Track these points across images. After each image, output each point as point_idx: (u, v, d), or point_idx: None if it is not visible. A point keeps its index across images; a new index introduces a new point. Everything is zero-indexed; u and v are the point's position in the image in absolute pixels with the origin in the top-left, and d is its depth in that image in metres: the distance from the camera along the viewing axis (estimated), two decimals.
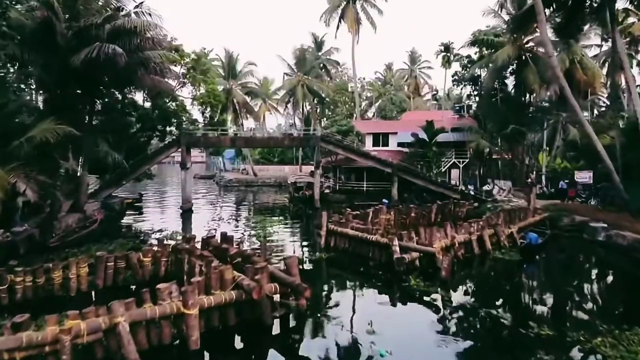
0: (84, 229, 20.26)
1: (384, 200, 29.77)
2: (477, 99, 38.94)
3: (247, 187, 50.94)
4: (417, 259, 14.34)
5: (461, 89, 40.22)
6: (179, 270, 12.96)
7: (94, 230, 20.72)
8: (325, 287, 13.49)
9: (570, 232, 20.73)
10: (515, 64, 31.79)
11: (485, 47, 34.14)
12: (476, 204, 27.28)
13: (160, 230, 21.96)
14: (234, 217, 27.38)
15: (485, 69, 35.64)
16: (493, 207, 26.64)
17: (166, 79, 26.01)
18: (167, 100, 29.03)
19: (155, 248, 13.69)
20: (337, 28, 51.44)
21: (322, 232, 17.59)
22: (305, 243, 20.63)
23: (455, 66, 44.28)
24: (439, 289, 12.70)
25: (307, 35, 78.38)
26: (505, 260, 15.97)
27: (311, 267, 15.49)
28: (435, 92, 72.90)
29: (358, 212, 19.24)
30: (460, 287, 13.65)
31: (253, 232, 21.54)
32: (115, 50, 15.22)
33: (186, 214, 28.41)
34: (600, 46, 41.99)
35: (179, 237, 19.79)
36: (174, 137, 30.88)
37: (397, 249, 13.95)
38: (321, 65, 59.09)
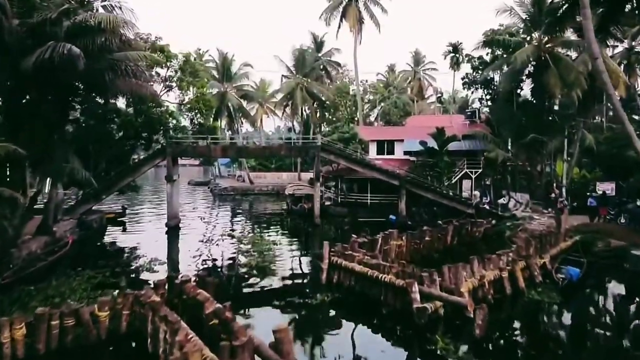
0: (52, 255, 17.71)
1: (391, 217, 27.11)
2: (489, 103, 36.24)
3: (242, 196, 48.40)
4: (442, 306, 11.70)
5: (472, 92, 37.46)
6: (143, 326, 10.32)
7: (64, 255, 18.23)
8: (330, 349, 10.72)
9: (606, 258, 18.02)
10: (533, 66, 29.08)
11: (499, 48, 31.43)
12: (494, 222, 24.65)
13: (138, 257, 19.26)
14: (225, 237, 24.45)
15: (499, 71, 32.96)
16: (513, 224, 24.01)
17: (150, 83, 23.38)
18: (152, 105, 26.27)
19: (116, 296, 11.05)
20: (338, 27, 48.99)
21: (323, 265, 14.92)
22: (305, 272, 17.99)
23: (465, 68, 41.63)
24: (471, 351, 10.06)
25: (307, 35, 75.73)
26: (544, 303, 13.28)
27: (311, 315, 12.82)
28: (440, 95, 70.16)
29: (365, 240, 16.56)
30: (497, 346, 10.98)
31: (244, 260, 18.79)
32: (71, 50, 12.50)
33: (173, 231, 25.63)
34: (614, 47, 39.45)
35: (156, 267, 17.29)
36: (161, 144, 28.21)
37: (418, 296, 11.25)
38: (321, 66, 56.19)
